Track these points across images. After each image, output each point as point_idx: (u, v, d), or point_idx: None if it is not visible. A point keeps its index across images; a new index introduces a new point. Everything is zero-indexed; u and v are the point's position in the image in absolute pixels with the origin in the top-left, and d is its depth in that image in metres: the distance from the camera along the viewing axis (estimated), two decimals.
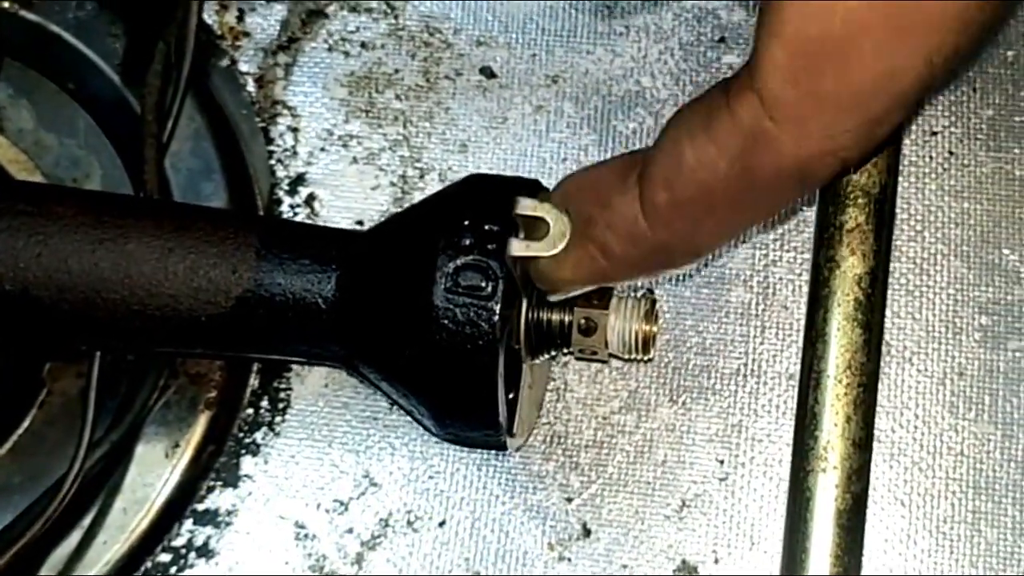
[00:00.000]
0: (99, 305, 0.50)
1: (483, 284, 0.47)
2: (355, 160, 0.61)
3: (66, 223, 0.50)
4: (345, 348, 0.51)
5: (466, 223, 0.47)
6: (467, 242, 0.47)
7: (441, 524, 0.55)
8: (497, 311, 0.46)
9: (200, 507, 0.56)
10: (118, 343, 0.54)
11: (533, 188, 0.50)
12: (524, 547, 0.55)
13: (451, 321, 0.47)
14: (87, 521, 0.56)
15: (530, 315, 0.50)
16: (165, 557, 0.55)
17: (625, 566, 0.54)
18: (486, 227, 0.47)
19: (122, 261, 0.50)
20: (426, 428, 0.54)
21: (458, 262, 0.47)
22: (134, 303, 0.50)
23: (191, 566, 0.55)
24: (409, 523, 0.55)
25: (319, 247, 0.50)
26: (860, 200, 0.55)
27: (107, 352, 0.55)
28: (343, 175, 0.61)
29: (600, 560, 0.54)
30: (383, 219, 0.57)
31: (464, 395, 0.48)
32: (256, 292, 0.50)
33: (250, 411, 0.58)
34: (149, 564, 0.55)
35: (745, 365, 0.56)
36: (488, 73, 0.62)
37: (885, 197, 0.55)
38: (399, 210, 0.59)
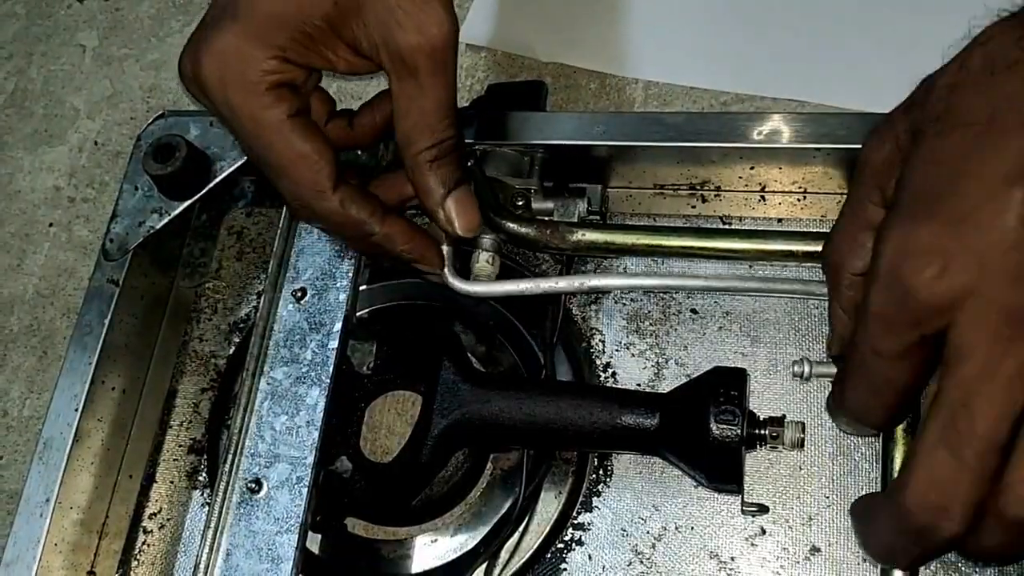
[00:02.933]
0: (543, 431, 1.07)
1: (732, 419, 1.02)
2: None
3: (533, 391, 1.07)
4: (659, 448, 1.07)
5: (721, 390, 1.04)
6: (722, 398, 1.03)
7: None
8: (740, 431, 1.02)
9: (576, 521, 1.10)
10: (541, 447, 1.10)
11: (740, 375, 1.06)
12: None
13: (718, 434, 1.03)
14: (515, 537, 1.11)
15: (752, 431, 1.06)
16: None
17: None
18: (732, 392, 1.03)
19: (557, 412, 1.06)
20: (699, 483, 1.10)
21: (720, 408, 1.03)
22: (559, 430, 1.06)
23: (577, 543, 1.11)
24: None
25: (648, 404, 1.06)
26: None
27: (532, 449, 1.11)
28: None
29: None
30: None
31: (722, 468, 1.04)
32: (616, 425, 1.06)
33: (592, 476, 1.13)
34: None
35: None
36: None
37: None
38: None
